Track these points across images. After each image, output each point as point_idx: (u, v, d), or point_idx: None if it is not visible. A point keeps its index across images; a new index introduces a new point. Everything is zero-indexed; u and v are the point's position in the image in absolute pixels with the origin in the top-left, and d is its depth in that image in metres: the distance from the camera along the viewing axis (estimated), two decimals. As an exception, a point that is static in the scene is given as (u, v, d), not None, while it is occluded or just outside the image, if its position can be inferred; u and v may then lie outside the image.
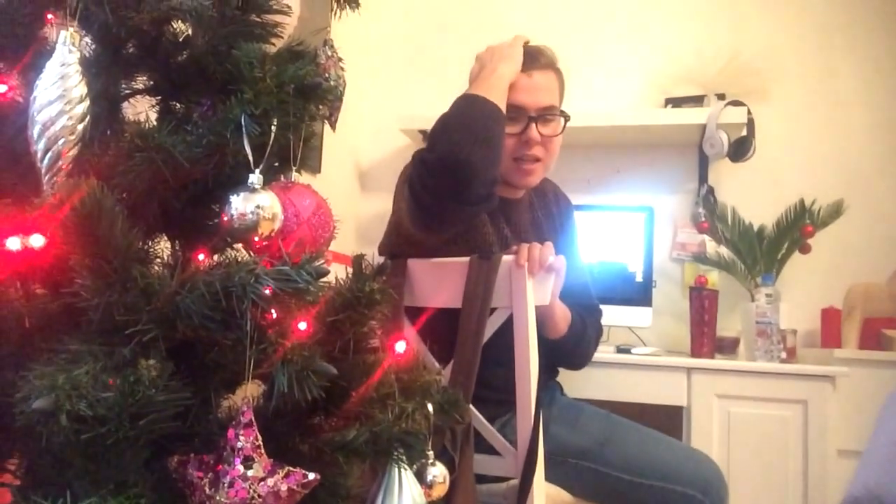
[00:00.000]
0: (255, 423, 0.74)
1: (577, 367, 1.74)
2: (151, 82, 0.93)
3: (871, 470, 0.83)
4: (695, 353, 2.21)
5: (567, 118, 1.56)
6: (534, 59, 1.52)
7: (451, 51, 2.84)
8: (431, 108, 2.77)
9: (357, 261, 0.89)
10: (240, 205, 0.80)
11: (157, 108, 0.93)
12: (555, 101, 1.54)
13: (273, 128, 0.82)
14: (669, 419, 2.10)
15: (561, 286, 1.47)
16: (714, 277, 2.49)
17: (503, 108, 1.40)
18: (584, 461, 1.46)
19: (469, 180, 1.29)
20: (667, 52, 2.70)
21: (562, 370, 1.75)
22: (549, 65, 1.55)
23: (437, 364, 1.38)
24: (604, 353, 2.06)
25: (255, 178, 0.81)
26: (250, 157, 0.81)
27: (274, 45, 0.92)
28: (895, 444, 0.83)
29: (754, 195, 2.56)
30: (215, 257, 0.86)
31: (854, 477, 0.86)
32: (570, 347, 1.61)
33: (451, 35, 2.87)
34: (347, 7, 1.07)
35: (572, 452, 1.47)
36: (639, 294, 2.36)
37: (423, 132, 2.69)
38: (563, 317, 1.55)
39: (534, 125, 1.50)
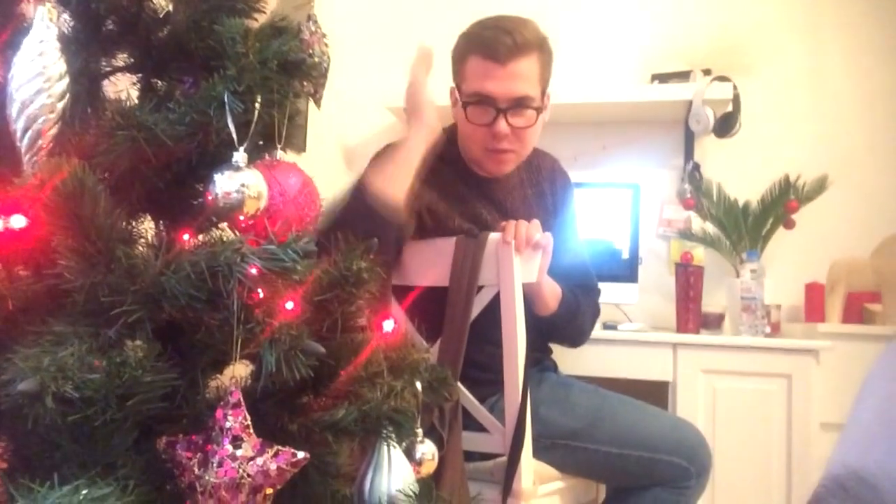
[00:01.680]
0: (243, 403, 0.73)
1: (573, 345, 1.72)
2: (132, 59, 0.91)
3: (851, 447, 0.84)
4: (680, 328, 2.22)
5: (539, 111, 1.46)
6: (509, 47, 1.39)
7: (437, 26, 2.80)
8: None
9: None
10: (224, 183, 0.79)
11: (138, 85, 0.92)
12: (530, 90, 1.43)
13: (257, 105, 0.81)
14: (655, 394, 2.12)
15: (548, 263, 1.46)
16: (699, 253, 2.51)
17: (406, 186, 1.30)
18: (574, 441, 1.47)
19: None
20: (653, 27, 2.69)
21: (559, 349, 1.74)
22: (528, 47, 1.41)
23: (424, 343, 1.38)
24: (590, 329, 2.08)
25: (240, 156, 0.80)
26: (234, 135, 0.80)
27: (256, 20, 0.90)
28: (874, 419, 0.83)
29: (740, 171, 2.56)
30: (200, 237, 0.85)
31: (833, 454, 0.86)
32: (562, 324, 1.60)
33: (437, 10, 2.84)
34: (331, -18, 1.06)
35: (562, 434, 1.47)
36: (625, 270, 2.37)
37: (408, 110, 2.67)
38: (552, 293, 1.55)
39: (503, 118, 1.42)
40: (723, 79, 2.41)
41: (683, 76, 2.51)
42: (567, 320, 1.60)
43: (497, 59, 1.39)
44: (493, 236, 1.36)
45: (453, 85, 1.53)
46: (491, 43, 1.40)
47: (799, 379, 2.00)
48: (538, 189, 1.65)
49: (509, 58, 1.39)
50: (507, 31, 1.40)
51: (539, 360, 1.66)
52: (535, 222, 1.40)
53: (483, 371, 1.43)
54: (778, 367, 2.02)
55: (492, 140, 1.45)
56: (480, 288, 1.37)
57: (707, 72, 2.48)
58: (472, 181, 1.55)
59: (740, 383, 2.05)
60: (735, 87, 2.39)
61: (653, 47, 2.67)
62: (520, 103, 1.43)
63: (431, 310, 1.38)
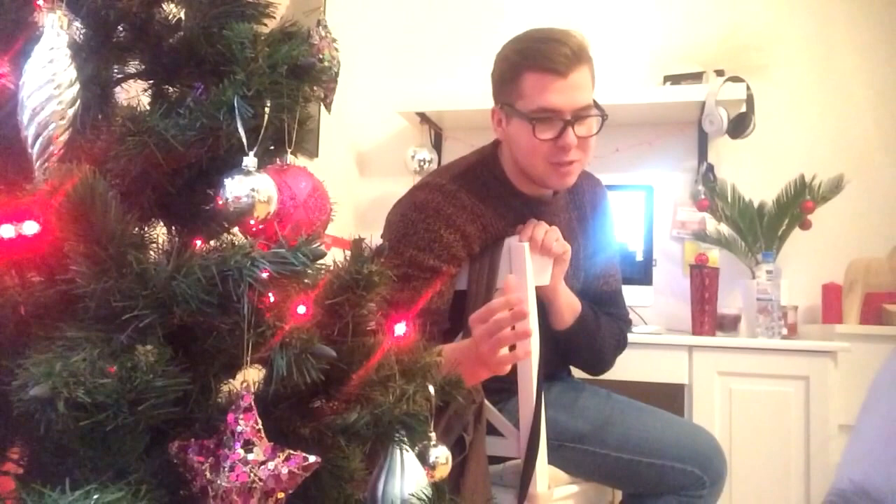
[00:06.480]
0: (254, 407, 0.73)
1: (593, 372, 1.65)
2: (143, 66, 0.91)
3: (856, 461, 0.81)
4: (696, 330, 2.21)
5: (605, 116, 1.44)
6: (567, 57, 1.36)
7: (448, 30, 2.81)
8: (429, 89, 2.78)
9: (356, 243, 0.89)
10: (234, 188, 0.79)
11: (149, 91, 0.92)
12: (590, 99, 1.41)
13: (266, 109, 0.81)
14: (671, 397, 2.11)
15: (563, 272, 1.45)
16: (714, 255, 2.49)
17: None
18: (582, 445, 1.46)
19: None
20: (665, 28, 2.68)
21: None
22: (583, 55, 1.40)
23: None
24: (605, 332, 2.06)
25: (250, 160, 0.80)
26: (244, 140, 0.80)
27: (266, 25, 0.90)
28: (879, 432, 0.80)
29: (754, 172, 2.55)
30: (211, 241, 0.85)
31: (839, 466, 0.83)
32: (579, 343, 1.55)
33: (448, 14, 2.84)
34: (340, -14, 1.06)
35: (570, 437, 1.46)
36: (639, 273, 2.36)
37: (420, 114, 2.67)
38: (568, 305, 1.51)
39: (570, 129, 1.37)
40: (736, 79, 2.39)
41: (696, 77, 2.50)
42: (583, 339, 1.54)
43: (558, 71, 1.36)
44: (509, 239, 1.37)
45: (496, 106, 1.48)
46: (549, 55, 1.36)
47: (816, 381, 1.98)
48: (581, 212, 1.62)
49: (570, 68, 1.36)
50: (560, 41, 1.38)
51: (554, 374, 1.63)
52: (554, 228, 1.41)
53: (495, 379, 1.42)
54: (795, 369, 2.00)
55: (559, 153, 1.39)
56: (496, 291, 1.37)
57: (720, 72, 2.47)
58: (519, 202, 1.49)
59: (757, 385, 2.03)
60: (748, 88, 2.38)
61: (665, 48, 2.66)
62: (584, 112, 1.40)
63: (450, 315, 1.38)
